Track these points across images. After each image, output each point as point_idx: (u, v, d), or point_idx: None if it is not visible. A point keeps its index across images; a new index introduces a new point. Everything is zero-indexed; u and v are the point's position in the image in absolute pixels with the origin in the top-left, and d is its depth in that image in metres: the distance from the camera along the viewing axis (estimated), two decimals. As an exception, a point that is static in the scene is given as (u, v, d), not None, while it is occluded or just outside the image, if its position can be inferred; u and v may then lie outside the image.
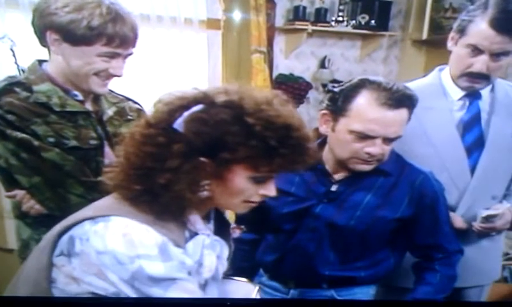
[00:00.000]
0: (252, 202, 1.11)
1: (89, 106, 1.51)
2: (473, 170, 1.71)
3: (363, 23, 3.77)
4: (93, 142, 1.47)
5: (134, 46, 1.45)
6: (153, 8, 3.08)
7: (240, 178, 1.05)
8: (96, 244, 0.98)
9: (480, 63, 1.57)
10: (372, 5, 3.78)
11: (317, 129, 1.55)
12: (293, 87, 3.74)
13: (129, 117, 1.59)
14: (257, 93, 1.07)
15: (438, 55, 3.78)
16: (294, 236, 1.52)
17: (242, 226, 1.25)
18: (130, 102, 1.65)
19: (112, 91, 1.61)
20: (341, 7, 3.75)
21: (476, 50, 1.57)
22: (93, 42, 1.37)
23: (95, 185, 1.41)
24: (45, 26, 1.39)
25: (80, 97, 1.48)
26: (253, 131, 1.00)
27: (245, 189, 1.07)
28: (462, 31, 1.61)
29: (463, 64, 1.62)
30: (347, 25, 3.77)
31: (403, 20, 4.03)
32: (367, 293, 1.59)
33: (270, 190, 1.10)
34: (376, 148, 1.39)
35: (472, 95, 1.71)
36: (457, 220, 1.70)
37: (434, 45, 3.74)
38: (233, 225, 1.23)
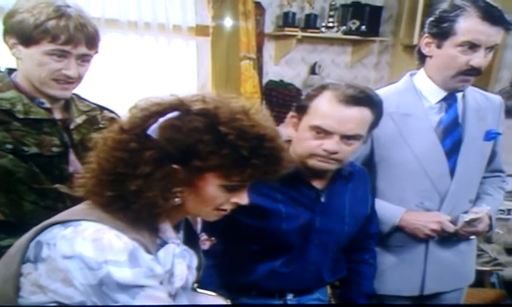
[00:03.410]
0: (224, 210, 1.11)
1: (57, 114, 1.51)
2: (452, 174, 1.72)
3: (353, 28, 3.77)
4: (56, 149, 1.47)
5: (89, 46, 1.44)
6: (141, 15, 3.07)
7: (212, 186, 1.05)
8: (63, 248, 0.96)
9: (478, 58, 1.59)
10: (363, 10, 3.78)
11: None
12: (283, 94, 3.73)
13: (101, 125, 1.59)
14: (234, 102, 1.07)
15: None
16: (303, 252, 1.54)
17: (213, 238, 1.24)
18: (105, 111, 1.64)
19: (85, 100, 1.62)
20: (331, 12, 3.75)
21: (472, 47, 1.59)
22: (40, 40, 1.38)
23: (48, 193, 1.42)
24: (6, 30, 1.42)
25: (47, 104, 1.48)
26: (226, 140, 1.00)
27: (217, 197, 1.06)
28: (446, 33, 1.62)
29: (458, 64, 1.62)
30: (337, 31, 3.77)
31: (394, 25, 4.03)
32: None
33: (242, 198, 1.10)
34: (333, 145, 1.40)
35: (450, 98, 1.72)
36: (448, 224, 1.71)
37: (425, 50, 3.74)
38: (203, 237, 1.22)
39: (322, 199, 1.52)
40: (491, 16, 1.56)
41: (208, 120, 1.01)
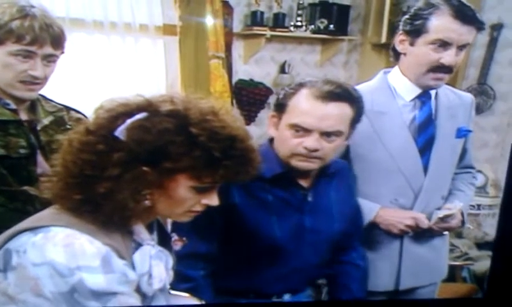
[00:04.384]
0: (195, 211, 1.10)
1: (23, 115, 1.50)
2: (426, 170, 1.74)
3: (322, 27, 3.78)
4: (23, 151, 1.45)
5: (55, 47, 1.43)
6: (107, 14, 3.01)
7: (182, 188, 1.04)
8: (33, 256, 0.94)
9: (449, 56, 1.61)
10: (331, 9, 3.79)
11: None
12: (253, 93, 3.72)
13: (68, 126, 1.57)
14: (203, 103, 1.06)
15: (397, 59, 3.88)
16: (298, 252, 1.53)
17: (184, 238, 1.23)
18: (72, 112, 1.63)
19: (51, 100, 1.60)
20: (299, 12, 3.75)
21: (443, 45, 1.61)
22: (4, 40, 1.36)
23: (16, 195, 1.41)
24: None
25: (13, 106, 1.46)
26: (197, 141, 1.00)
27: (187, 199, 1.06)
28: (419, 31, 1.64)
29: (428, 61, 1.64)
30: (305, 30, 3.77)
31: (362, 24, 4.06)
32: None
33: (213, 199, 1.09)
34: (313, 142, 1.39)
35: (424, 96, 1.74)
36: (422, 220, 1.73)
37: (393, 49, 3.78)
38: (174, 237, 1.21)
39: (309, 198, 1.51)
40: (463, 15, 1.58)
41: (178, 121, 1.00)
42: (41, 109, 1.54)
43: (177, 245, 1.21)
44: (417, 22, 1.64)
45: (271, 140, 1.50)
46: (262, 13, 3.62)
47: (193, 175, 1.02)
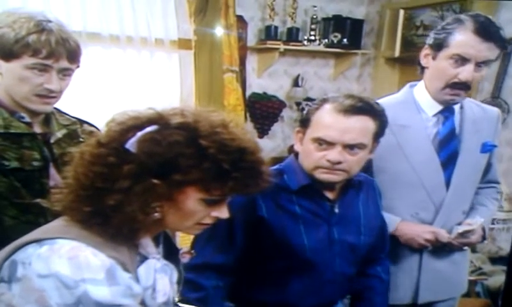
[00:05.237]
0: (205, 224, 1.09)
1: (37, 128, 1.50)
2: (448, 185, 1.73)
3: (335, 41, 3.81)
4: (36, 163, 1.45)
5: (70, 60, 1.44)
6: (123, 29, 3.06)
7: (192, 200, 1.03)
8: (39, 267, 0.94)
9: (466, 72, 1.60)
10: (344, 24, 3.82)
11: (291, 146, 1.58)
12: (267, 106, 3.75)
13: (81, 139, 1.58)
14: (214, 115, 1.06)
15: (411, 72, 3.79)
16: (328, 264, 1.54)
17: (192, 251, 1.23)
18: (85, 125, 1.64)
19: (65, 114, 1.61)
20: (313, 26, 3.79)
21: (461, 60, 1.60)
22: (21, 54, 1.37)
23: (29, 207, 1.41)
24: None
25: (28, 119, 1.47)
26: (207, 154, 0.99)
27: (197, 211, 1.05)
28: (441, 45, 1.64)
29: (446, 76, 1.64)
30: (319, 44, 3.80)
31: (375, 38, 4.08)
32: None
33: (222, 212, 1.08)
34: (336, 155, 1.42)
35: (447, 111, 1.74)
36: (442, 234, 1.73)
37: (407, 62, 3.78)
38: (182, 250, 1.21)
39: (336, 210, 1.53)
40: (485, 31, 1.57)
41: (188, 134, 1.00)
42: (55, 122, 1.55)
43: (185, 258, 1.21)
44: (440, 36, 1.64)
45: (296, 154, 1.53)
46: (276, 27, 3.67)
47: (202, 187, 1.01)
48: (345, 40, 3.81)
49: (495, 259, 3.20)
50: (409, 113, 1.75)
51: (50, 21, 1.41)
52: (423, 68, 1.73)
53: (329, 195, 1.52)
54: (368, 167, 1.72)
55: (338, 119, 1.41)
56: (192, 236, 1.43)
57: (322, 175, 1.45)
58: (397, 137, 1.69)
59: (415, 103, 1.76)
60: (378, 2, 4.03)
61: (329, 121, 1.42)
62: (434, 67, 1.68)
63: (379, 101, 1.60)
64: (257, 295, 1.52)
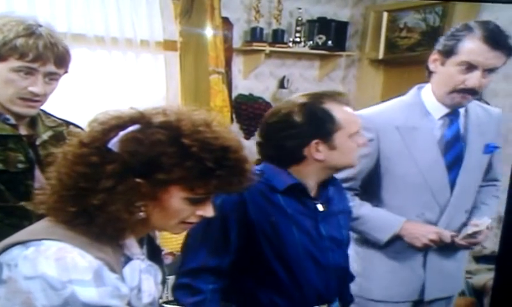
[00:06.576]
0: (189, 223, 1.09)
1: (23, 130, 1.49)
2: (452, 186, 1.77)
3: (320, 43, 3.83)
4: (21, 165, 1.45)
5: (58, 65, 1.44)
6: (108, 30, 3.06)
7: (176, 199, 1.03)
8: (25, 269, 0.93)
9: (474, 79, 1.64)
10: (329, 26, 3.85)
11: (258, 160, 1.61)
12: (253, 108, 3.76)
13: (67, 141, 1.56)
14: (196, 114, 1.06)
15: (395, 74, 3.91)
16: (326, 258, 1.55)
17: (175, 253, 1.22)
18: (71, 126, 1.63)
19: (51, 115, 1.61)
20: (298, 28, 3.80)
21: (469, 67, 1.64)
22: (8, 57, 1.37)
23: (13, 210, 1.40)
24: None
25: (13, 121, 1.46)
26: (190, 152, 0.99)
27: (181, 210, 1.05)
28: (450, 51, 1.67)
29: (454, 82, 1.68)
30: (304, 46, 3.82)
31: (360, 40, 4.10)
32: None
33: (207, 211, 1.08)
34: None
35: (452, 114, 1.77)
36: (446, 235, 1.76)
37: (391, 64, 3.84)
38: (165, 251, 1.20)
39: (320, 207, 1.54)
40: (494, 40, 1.61)
41: (170, 133, 1.00)
42: (41, 124, 1.54)
43: (168, 259, 1.20)
44: (449, 43, 1.67)
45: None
46: (261, 29, 3.68)
47: (186, 186, 1.02)
48: (330, 42, 3.83)
49: (478, 258, 3.23)
50: (417, 116, 1.78)
51: (40, 25, 1.41)
52: (430, 72, 1.76)
53: (312, 193, 1.53)
54: (375, 168, 1.76)
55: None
56: (176, 236, 1.42)
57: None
58: (405, 139, 1.73)
59: (422, 106, 1.79)
60: (362, 5, 4.06)
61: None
62: (442, 72, 1.72)
63: (388, 103, 1.63)
64: (256, 295, 1.51)
